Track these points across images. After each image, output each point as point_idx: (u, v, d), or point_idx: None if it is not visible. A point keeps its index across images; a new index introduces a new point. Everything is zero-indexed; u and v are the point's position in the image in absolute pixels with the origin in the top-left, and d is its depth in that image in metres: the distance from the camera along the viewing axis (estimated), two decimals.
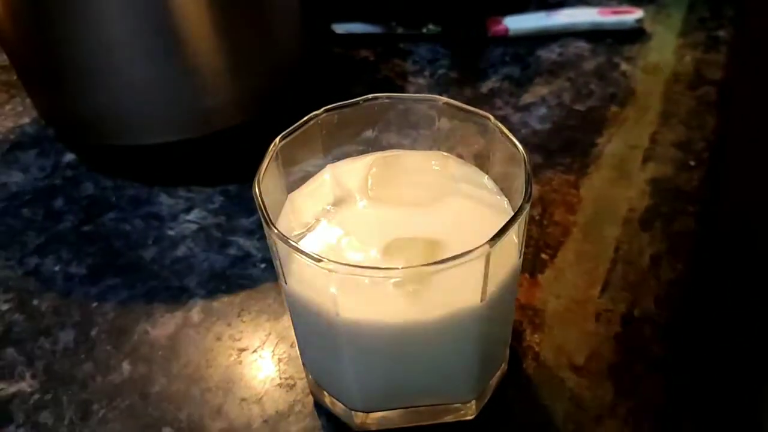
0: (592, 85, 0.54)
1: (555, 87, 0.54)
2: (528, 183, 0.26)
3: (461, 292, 0.25)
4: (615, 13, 0.60)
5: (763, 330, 0.35)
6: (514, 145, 0.28)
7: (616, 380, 0.33)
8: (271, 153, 0.28)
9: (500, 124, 0.29)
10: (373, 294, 0.25)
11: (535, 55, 0.57)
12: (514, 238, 0.26)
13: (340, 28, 0.61)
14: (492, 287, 0.25)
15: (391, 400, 0.30)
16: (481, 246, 0.23)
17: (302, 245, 0.25)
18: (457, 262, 0.23)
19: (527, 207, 0.25)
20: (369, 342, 0.26)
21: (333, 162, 0.32)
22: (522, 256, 0.28)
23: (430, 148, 0.33)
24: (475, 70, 0.56)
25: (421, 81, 0.56)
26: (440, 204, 0.30)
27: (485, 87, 0.54)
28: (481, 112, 0.29)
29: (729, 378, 0.33)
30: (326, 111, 0.30)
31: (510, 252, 0.27)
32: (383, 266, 0.25)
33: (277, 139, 0.29)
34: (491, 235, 0.24)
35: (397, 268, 0.24)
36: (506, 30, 0.59)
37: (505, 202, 0.30)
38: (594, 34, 0.59)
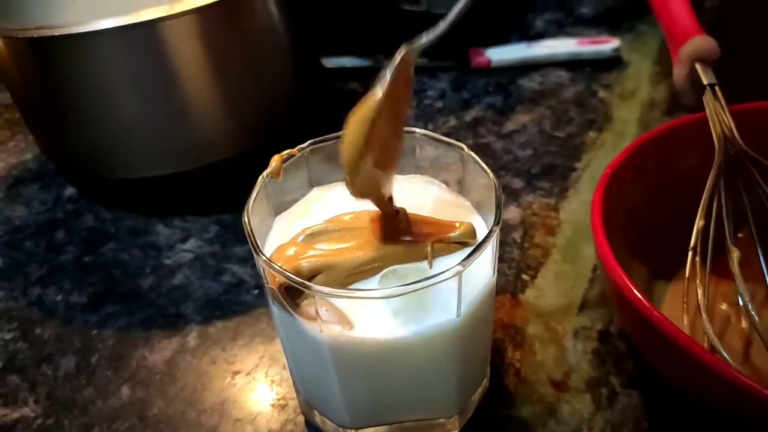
0: (571, 112, 0.56)
1: (536, 115, 0.56)
2: (498, 207, 0.28)
3: (438, 309, 0.27)
4: (593, 42, 0.63)
5: None
6: (486, 172, 0.30)
7: (594, 394, 0.35)
8: (259, 185, 0.30)
9: (473, 153, 0.31)
10: (354, 312, 0.27)
11: (516, 85, 0.60)
12: (487, 258, 0.28)
13: (329, 62, 0.63)
14: (467, 304, 0.27)
15: (378, 417, 0.32)
16: (453, 267, 0.25)
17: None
18: (431, 282, 0.25)
19: (497, 229, 0.27)
20: (353, 359, 0.28)
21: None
22: (496, 274, 0.30)
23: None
24: (459, 100, 0.58)
25: (408, 112, 0.58)
26: None
27: (469, 116, 0.56)
28: (455, 142, 0.31)
29: None
30: (311, 144, 0.32)
31: (483, 271, 0.28)
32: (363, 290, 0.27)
33: (265, 173, 0.31)
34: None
35: (376, 289, 0.26)
36: (488, 61, 0.62)
37: (482, 224, 0.32)
38: (573, 64, 0.61)
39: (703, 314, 0.33)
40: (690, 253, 0.35)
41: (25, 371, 0.39)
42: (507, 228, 0.45)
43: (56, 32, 0.40)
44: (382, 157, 0.27)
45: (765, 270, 0.36)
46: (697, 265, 0.35)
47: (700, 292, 0.34)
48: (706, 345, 0.33)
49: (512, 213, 0.46)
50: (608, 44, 0.62)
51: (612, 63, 0.61)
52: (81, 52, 0.42)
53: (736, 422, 0.31)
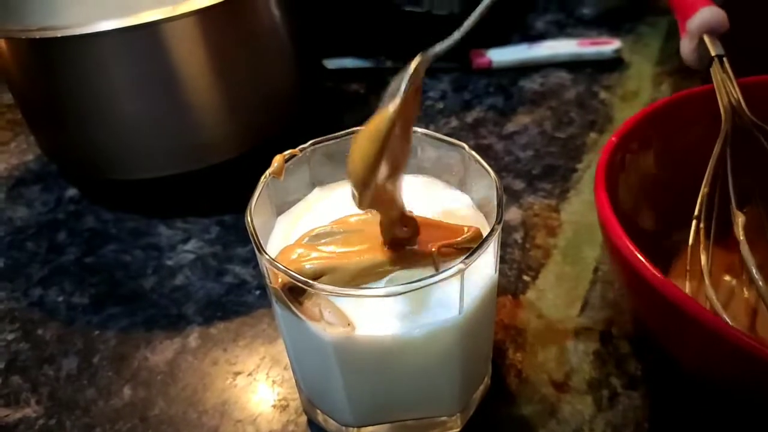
0: (572, 113, 0.56)
1: (537, 116, 0.56)
2: (500, 206, 0.28)
3: (441, 307, 0.27)
4: (594, 44, 0.63)
5: None
6: (487, 171, 0.30)
7: (595, 395, 0.35)
8: (261, 185, 0.30)
9: (474, 153, 0.31)
10: (358, 310, 0.27)
11: (517, 86, 0.60)
12: (489, 256, 0.28)
13: (331, 64, 0.63)
14: (469, 302, 0.27)
15: (381, 415, 0.32)
16: (456, 265, 0.25)
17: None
18: (434, 280, 0.25)
19: (499, 228, 0.27)
20: (356, 357, 0.28)
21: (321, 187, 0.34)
22: (497, 271, 0.30)
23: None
24: (460, 101, 0.58)
25: (416, 117, 0.58)
26: None
27: (470, 117, 0.57)
28: (456, 141, 0.32)
29: (704, 392, 0.34)
30: (313, 144, 0.32)
31: (486, 269, 0.28)
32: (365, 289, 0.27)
33: (267, 172, 0.31)
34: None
35: (379, 288, 0.26)
36: (490, 62, 0.62)
37: (485, 223, 0.32)
38: (574, 65, 0.62)
39: (706, 280, 0.33)
40: (694, 222, 0.35)
41: (27, 372, 0.39)
42: (508, 229, 0.45)
43: (58, 33, 0.40)
44: (392, 166, 0.26)
45: None
46: (701, 233, 0.35)
47: (703, 258, 0.34)
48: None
49: (513, 214, 0.46)
50: (609, 45, 0.62)
51: (613, 64, 0.61)
52: (83, 53, 0.42)
53: (739, 418, 0.31)
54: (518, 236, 0.44)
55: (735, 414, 0.33)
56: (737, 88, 0.38)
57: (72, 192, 0.52)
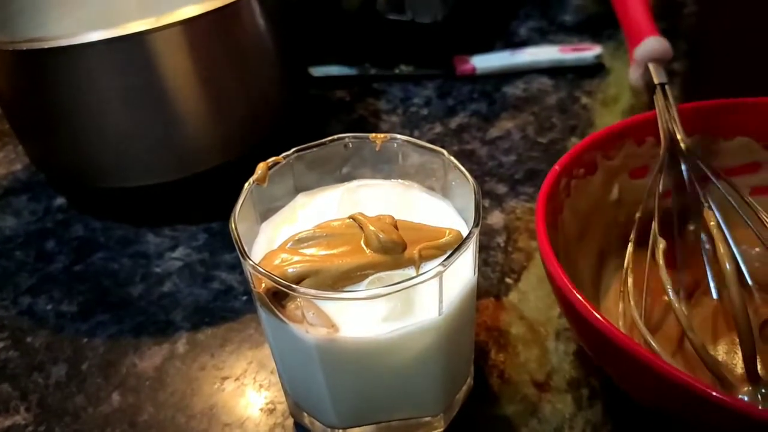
0: (554, 118, 0.57)
1: (520, 121, 0.57)
2: (477, 210, 0.29)
3: (421, 309, 0.28)
4: (575, 50, 0.64)
5: None
6: (466, 177, 0.30)
7: (575, 394, 0.35)
8: (245, 192, 0.31)
9: (453, 159, 0.32)
10: (339, 313, 0.27)
11: (501, 92, 0.61)
12: (467, 258, 0.29)
13: (317, 71, 0.64)
14: (448, 304, 0.28)
15: (365, 416, 0.32)
16: (434, 267, 0.26)
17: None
18: (413, 282, 0.26)
19: (476, 231, 0.28)
20: (339, 359, 0.29)
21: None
22: (476, 274, 0.30)
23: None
24: (444, 108, 0.59)
25: (394, 119, 0.59)
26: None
27: (454, 123, 0.57)
28: (435, 148, 0.32)
29: None
30: (296, 151, 0.33)
31: (464, 271, 0.29)
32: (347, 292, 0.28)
33: (251, 180, 0.31)
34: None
35: (360, 290, 0.27)
36: (473, 68, 0.63)
37: (465, 227, 0.32)
38: (556, 71, 0.63)
39: (631, 301, 0.34)
40: (630, 245, 0.36)
41: (17, 379, 0.39)
42: (491, 232, 0.46)
43: (45, 45, 0.41)
44: None
45: (706, 263, 0.37)
46: (632, 255, 0.36)
47: (630, 281, 0.35)
48: (637, 334, 0.33)
49: (496, 218, 0.47)
50: (590, 51, 0.63)
51: (594, 70, 0.62)
52: (70, 64, 0.42)
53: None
54: (501, 239, 0.45)
55: None
56: (676, 115, 0.39)
57: (60, 201, 0.52)
